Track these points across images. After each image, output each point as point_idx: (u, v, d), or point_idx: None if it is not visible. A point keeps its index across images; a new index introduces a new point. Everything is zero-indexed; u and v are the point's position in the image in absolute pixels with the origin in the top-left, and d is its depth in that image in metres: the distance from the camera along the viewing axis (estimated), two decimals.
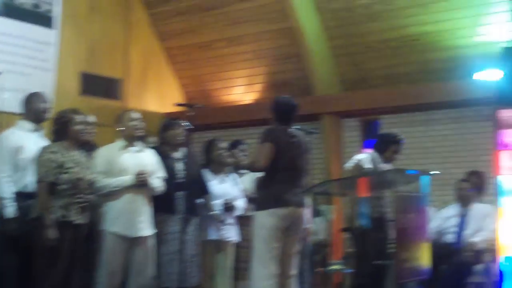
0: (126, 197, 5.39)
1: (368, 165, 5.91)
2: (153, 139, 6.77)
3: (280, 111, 5.17)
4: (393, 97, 9.27)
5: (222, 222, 5.97)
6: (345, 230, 6.04)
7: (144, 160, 5.57)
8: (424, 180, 5.42)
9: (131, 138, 5.56)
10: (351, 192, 5.76)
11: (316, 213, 6.61)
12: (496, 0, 8.46)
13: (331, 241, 8.67)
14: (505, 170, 9.02)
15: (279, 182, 5.01)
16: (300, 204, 5.11)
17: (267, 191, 5.04)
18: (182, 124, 5.88)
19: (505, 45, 8.02)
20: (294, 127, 5.30)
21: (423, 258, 5.25)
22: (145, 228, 5.47)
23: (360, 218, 5.78)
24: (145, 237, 5.46)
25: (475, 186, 7.07)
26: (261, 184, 5.16)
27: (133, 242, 5.42)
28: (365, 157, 5.97)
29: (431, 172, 5.79)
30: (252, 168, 5.38)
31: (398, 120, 9.57)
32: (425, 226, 5.30)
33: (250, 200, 6.38)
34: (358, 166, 5.93)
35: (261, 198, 5.07)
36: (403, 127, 9.46)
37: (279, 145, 5.02)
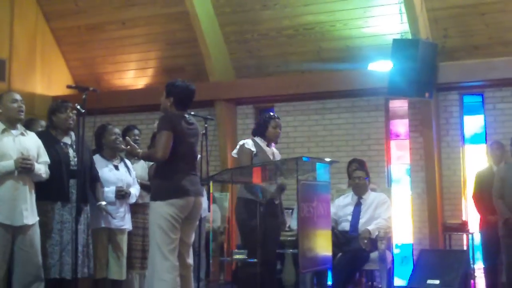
0: (8, 184, 5.05)
1: (252, 148, 5.85)
2: (44, 122, 6.41)
3: (179, 96, 4.96)
4: (287, 85, 9.27)
5: (109, 213, 5.71)
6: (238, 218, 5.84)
7: (26, 144, 5.23)
8: (325, 168, 5.31)
9: (12, 121, 5.18)
10: (247, 180, 5.64)
11: (212, 200, 6.42)
12: None
13: (227, 228, 8.57)
14: (395, 160, 9.23)
15: (177, 171, 4.85)
16: (199, 193, 4.99)
17: (165, 180, 4.84)
18: (72, 107, 5.57)
19: (395, 37, 8.13)
20: (189, 113, 5.11)
21: (326, 247, 5.15)
22: (29, 216, 5.15)
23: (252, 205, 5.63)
24: (29, 226, 5.14)
25: (368, 175, 7.09)
26: (158, 173, 4.93)
27: (16, 231, 5.09)
28: (247, 141, 5.91)
29: (330, 160, 5.67)
30: (152, 159, 5.24)
31: (292, 108, 9.59)
32: (327, 214, 5.20)
33: (143, 187, 6.23)
34: (244, 150, 5.84)
35: (159, 188, 4.86)
36: (297, 115, 9.52)
37: (177, 133, 4.85)
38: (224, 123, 9.53)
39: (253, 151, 5.89)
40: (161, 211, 4.75)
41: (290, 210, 7.68)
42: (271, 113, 6.17)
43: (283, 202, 6.21)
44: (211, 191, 6.13)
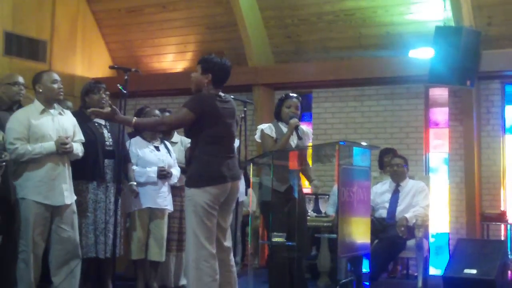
0: (48, 165, 5.12)
1: (272, 134, 5.69)
2: (70, 103, 6.49)
3: (218, 72, 4.72)
4: (326, 71, 9.20)
5: (137, 192, 5.73)
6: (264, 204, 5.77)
7: (64, 124, 5.29)
8: (364, 154, 5.25)
9: (51, 101, 5.23)
10: (285, 164, 5.55)
11: (248, 184, 6.40)
12: None
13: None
14: (433, 148, 9.12)
15: (213, 155, 4.64)
16: (237, 177, 4.80)
17: (200, 165, 4.64)
18: (105, 88, 5.66)
19: (437, 24, 7.99)
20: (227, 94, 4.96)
21: (364, 233, 5.11)
22: (69, 195, 5.22)
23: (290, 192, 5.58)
24: (68, 205, 5.22)
25: (406, 163, 7.02)
26: (193, 157, 4.70)
27: (56, 210, 5.17)
28: (266, 126, 5.73)
29: (370, 145, 5.62)
30: (154, 126, 5.07)
31: (330, 94, 9.54)
32: (367, 200, 5.15)
33: (181, 170, 6.25)
34: (264, 136, 5.69)
35: (194, 174, 4.64)
36: (335, 101, 9.46)
37: (211, 114, 4.63)
38: (262, 108, 9.51)
39: (272, 137, 5.70)
40: (197, 199, 4.57)
41: (327, 196, 7.62)
42: (288, 93, 5.93)
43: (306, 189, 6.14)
44: (250, 176, 6.09)
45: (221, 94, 4.78)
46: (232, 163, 4.76)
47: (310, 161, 6.04)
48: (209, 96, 4.69)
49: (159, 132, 6.19)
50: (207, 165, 4.62)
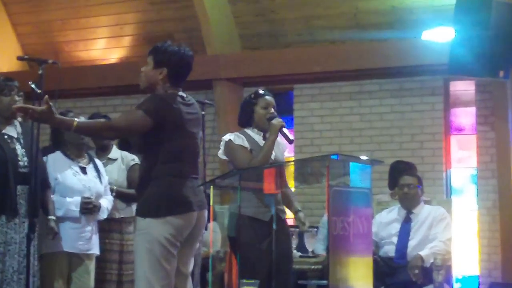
0: None
1: (244, 143, 5.67)
2: None
3: (175, 65, 4.76)
4: (312, 60, 9.25)
5: (56, 232, 5.72)
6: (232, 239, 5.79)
7: None
8: (363, 171, 5.28)
9: None
10: (258, 186, 5.56)
11: (209, 215, 6.38)
12: None
13: (228, 253, 8.54)
14: (456, 162, 9.20)
15: (175, 175, 4.69)
16: (203, 206, 4.82)
17: (159, 189, 4.66)
18: (18, 88, 5.57)
19: None
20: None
21: (365, 277, 5.13)
22: None
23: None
24: None
25: (420, 183, 7.06)
26: (147, 178, 4.71)
27: None
28: (233, 135, 5.69)
29: (370, 159, 5.65)
30: (101, 130, 4.79)
31: (318, 91, 9.61)
32: (368, 234, 5.18)
33: (121, 196, 6.27)
34: (233, 148, 5.65)
35: (150, 200, 4.65)
36: (324, 101, 9.51)
37: (173, 122, 4.64)
38: (227, 111, 9.54)
39: (246, 147, 5.63)
40: (154, 233, 4.56)
41: (315, 229, 7.65)
42: (259, 90, 5.87)
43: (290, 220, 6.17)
44: (211, 204, 6.06)
45: (183, 94, 4.82)
46: (198, 188, 4.81)
47: (290, 183, 6.05)
48: (170, 97, 4.72)
49: (99, 142, 6.21)
50: (168, 188, 4.65)
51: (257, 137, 5.70)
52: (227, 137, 5.69)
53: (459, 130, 9.28)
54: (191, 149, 4.80)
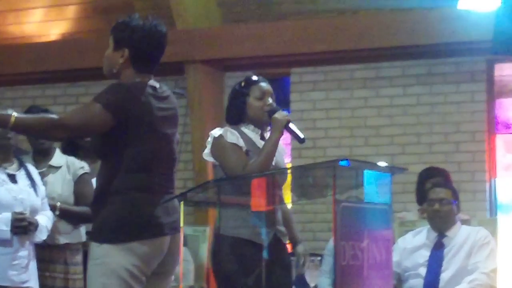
0: None
1: (239, 142, 5.70)
2: None
3: (140, 45, 4.78)
4: (313, 37, 9.33)
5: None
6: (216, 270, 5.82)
7: None
8: (381, 181, 5.31)
9: None
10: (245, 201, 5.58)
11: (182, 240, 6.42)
12: None
13: None
14: (503, 170, 9.22)
15: (142, 189, 4.71)
16: (178, 227, 4.84)
17: (122, 207, 4.67)
18: None
19: None
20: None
21: None
22: None
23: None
24: None
25: (456, 197, 7.09)
26: (105, 192, 4.73)
27: None
28: (228, 130, 5.72)
29: (391, 167, 5.68)
30: (45, 129, 4.78)
31: (322, 77, 9.68)
32: (388, 264, 5.20)
33: (67, 215, 6.31)
34: (225, 146, 5.68)
35: (110, 221, 4.66)
36: (331, 90, 9.53)
37: (139, 121, 4.66)
38: (202, 103, 9.59)
39: (241, 148, 5.67)
40: (111, 264, 4.56)
41: (318, 258, 7.70)
42: (251, 76, 5.90)
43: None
44: (181, 224, 6.08)
45: (155, 84, 4.86)
46: (172, 204, 4.83)
47: (286, 196, 6.08)
48: (136, 88, 4.75)
49: (38, 145, 6.33)
50: (133, 206, 4.66)
51: (254, 135, 5.76)
52: (216, 132, 5.71)
53: (507, 127, 9.31)
54: (164, 156, 4.82)
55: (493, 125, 9.21)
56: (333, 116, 9.55)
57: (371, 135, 9.39)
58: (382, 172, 5.51)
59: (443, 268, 6.83)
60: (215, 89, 9.72)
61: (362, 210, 5.14)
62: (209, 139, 5.72)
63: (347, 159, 5.15)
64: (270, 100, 5.70)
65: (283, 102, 9.66)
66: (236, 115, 5.78)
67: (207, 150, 5.70)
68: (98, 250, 4.64)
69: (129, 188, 4.67)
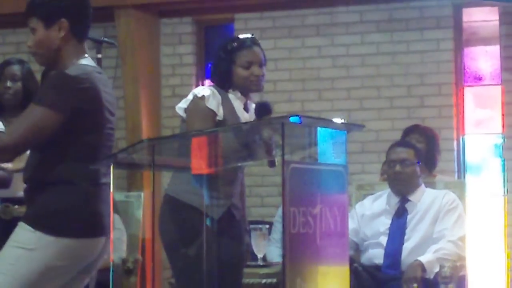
0: None
1: (216, 108, 5.74)
2: None
3: (73, 8, 4.79)
4: None
5: None
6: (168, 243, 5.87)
7: None
8: (337, 140, 5.30)
9: None
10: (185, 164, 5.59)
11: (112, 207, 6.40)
12: None
13: (140, 262, 8.55)
14: (472, 126, 9.25)
15: (90, 180, 4.74)
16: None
17: (65, 198, 4.68)
18: None
19: None
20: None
21: None
22: None
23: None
24: None
25: (420, 157, 7.10)
26: (47, 178, 4.74)
27: None
28: (210, 91, 5.78)
29: (347, 123, 5.65)
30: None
31: (270, 24, 9.69)
32: (344, 232, 5.20)
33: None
34: (199, 107, 5.73)
35: (50, 209, 4.67)
36: (279, 37, 9.53)
37: (93, 106, 4.70)
38: (135, 54, 9.56)
39: (216, 115, 5.82)
40: (39, 255, 4.61)
41: (267, 226, 7.69)
42: (237, 36, 6.07)
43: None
44: (111, 189, 6.06)
45: (92, 62, 4.90)
46: (107, 195, 4.88)
47: None
48: (83, 73, 4.73)
49: None
50: (83, 200, 4.71)
51: (238, 103, 5.90)
52: (199, 91, 5.88)
53: (477, 79, 9.33)
54: (107, 144, 4.87)
55: (461, 77, 9.24)
56: (282, 67, 9.56)
57: (325, 88, 9.40)
58: (338, 130, 5.50)
59: (406, 236, 6.86)
60: (150, 38, 9.70)
61: (315, 172, 5.13)
62: (190, 95, 5.86)
63: (298, 115, 5.12)
64: (259, 71, 5.80)
65: None
66: (221, 80, 5.93)
67: (182, 105, 5.85)
68: (30, 235, 4.63)
69: (79, 178, 4.70)
